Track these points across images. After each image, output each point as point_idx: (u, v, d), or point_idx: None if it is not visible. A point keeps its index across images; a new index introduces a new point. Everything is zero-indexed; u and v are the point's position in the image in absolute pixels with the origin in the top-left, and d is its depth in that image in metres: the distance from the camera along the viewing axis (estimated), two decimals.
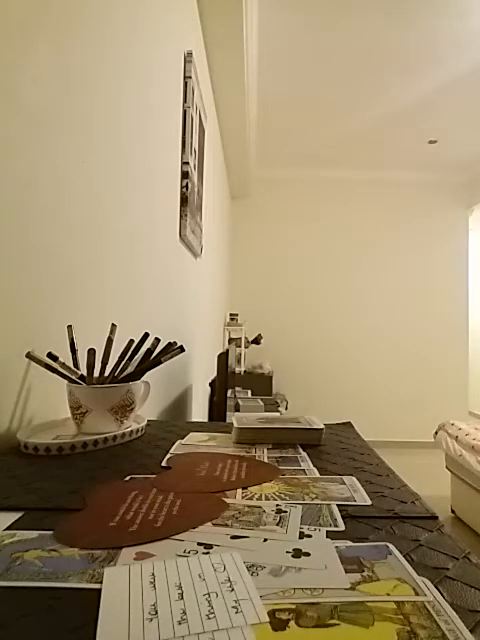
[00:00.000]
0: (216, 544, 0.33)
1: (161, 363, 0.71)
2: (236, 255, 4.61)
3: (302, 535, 0.35)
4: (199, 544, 0.33)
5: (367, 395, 4.57)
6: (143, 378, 0.71)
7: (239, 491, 0.44)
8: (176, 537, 0.34)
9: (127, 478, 0.48)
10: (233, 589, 0.27)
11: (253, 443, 0.63)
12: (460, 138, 3.78)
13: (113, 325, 0.73)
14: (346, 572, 0.30)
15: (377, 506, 0.41)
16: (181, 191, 1.76)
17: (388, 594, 0.27)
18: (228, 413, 2.00)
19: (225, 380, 1.95)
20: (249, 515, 0.38)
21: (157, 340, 0.71)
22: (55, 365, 0.63)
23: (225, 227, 3.97)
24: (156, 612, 0.25)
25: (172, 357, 0.72)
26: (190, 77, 1.76)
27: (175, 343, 0.72)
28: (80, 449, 0.57)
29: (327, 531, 0.36)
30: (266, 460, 0.56)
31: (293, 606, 0.26)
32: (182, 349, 0.71)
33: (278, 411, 3.20)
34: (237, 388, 3.80)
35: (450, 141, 3.84)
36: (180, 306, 1.84)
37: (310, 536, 0.35)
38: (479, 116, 3.38)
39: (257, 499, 0.42)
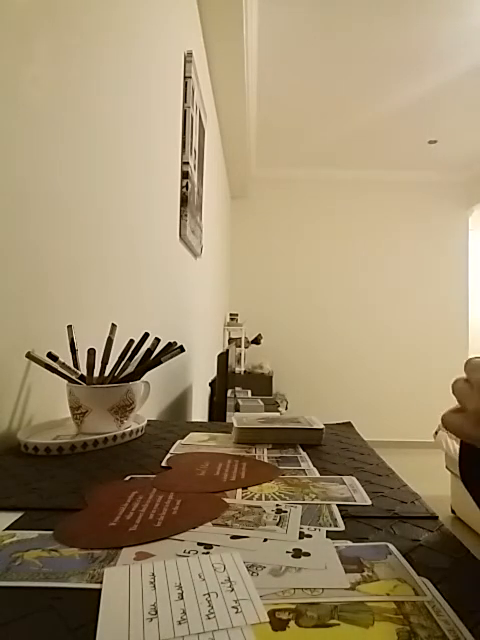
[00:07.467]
0: (216, 544, 0.33)
1: (161, 363, 0.71)
2: (236, 255, 4.61)
3: (302, 535, 0.35)
4: (199, 544, 0.33)
5: (367, 395, 4.56)
6: (143, 378, 0.71)
7: (239, 491, 0.44)
8: (176, 537, 0.34)
9: (127, 478, 0.48)
10: (233, 589, 0.27)
11: (253, 443, 0.63)
12: (460, 138, 3.78)
13: (113, 325, 0.73)
14: (346, 572, 0.30)
15: (377, 506, 0.41)
16: (181, 191, 1.76)
17: (388, 594, 0.27)
18: (228, 413, 2.00)
19: (225, 380, 1.95)
20: (249, 515, 0.38)
21: (157, 340, 0.71)
22: (55, 365, 0.63)
23: (225, 227, 3.97)
24: (156, 612, 0.25)
25: (172, 357, 0.72)
26: (190, 77, 1.76)
27: (175, 343, 0.72)
28: (80, 449, 0.57)
29: (327, 531, 0.36)
30: (266, 460, 0.55)
31: (293, 606, 0.26)
32: (182, 349, 0.71)
33: (278, 411, 3.20)
34: (237, 388, 3.80)
35: (450, 141, 3.84)
36: (180, 306, 1.84)
37: (310, 536, 0.35)
38: (479, 116, 3.38)
39: (257, 499, 0.42)
